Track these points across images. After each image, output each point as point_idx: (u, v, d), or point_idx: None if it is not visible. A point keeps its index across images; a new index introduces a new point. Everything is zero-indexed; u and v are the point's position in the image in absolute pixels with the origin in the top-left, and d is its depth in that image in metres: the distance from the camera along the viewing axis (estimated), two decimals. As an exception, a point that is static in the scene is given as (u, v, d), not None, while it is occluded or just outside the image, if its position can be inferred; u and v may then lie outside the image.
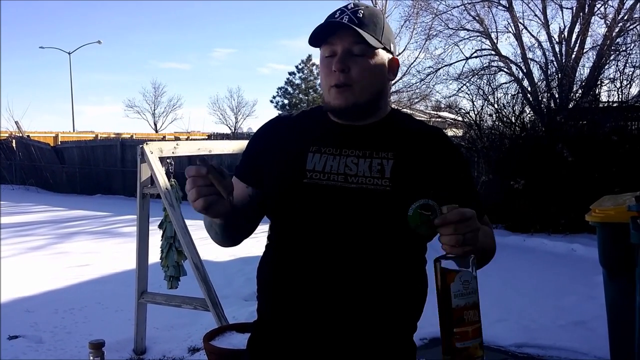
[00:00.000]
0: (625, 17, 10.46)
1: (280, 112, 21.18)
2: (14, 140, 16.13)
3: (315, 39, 1.13)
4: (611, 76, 8.81)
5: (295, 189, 1.11)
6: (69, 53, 31.53)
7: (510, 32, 12.24)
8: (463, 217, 0.93)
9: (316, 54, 1.21)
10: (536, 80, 9.87)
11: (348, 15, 1.10)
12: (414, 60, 15.34)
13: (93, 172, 13.90)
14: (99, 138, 18.05)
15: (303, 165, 1.12)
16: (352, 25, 1.08)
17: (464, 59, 13.15)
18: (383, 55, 1.13)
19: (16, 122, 17.52)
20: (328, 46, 1.12)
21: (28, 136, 16.57)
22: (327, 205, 1.09)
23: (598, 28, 11.54)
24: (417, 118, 1.25)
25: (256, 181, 1.18)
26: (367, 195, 1.08)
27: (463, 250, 0.92)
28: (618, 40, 10.30)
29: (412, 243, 1.12)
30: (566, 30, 11.37)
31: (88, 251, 6.61)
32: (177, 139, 17.39)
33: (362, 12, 1.11)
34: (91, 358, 0.97)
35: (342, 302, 1.08)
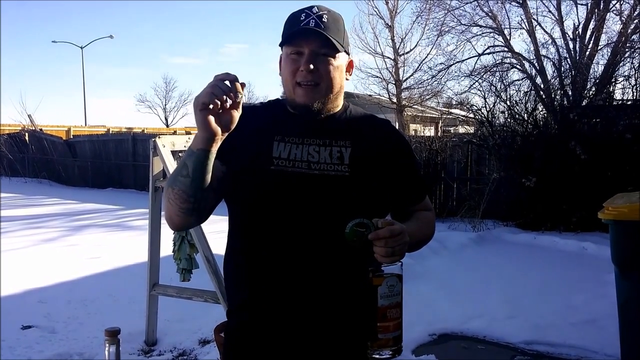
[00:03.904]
0: (641, 14, 10.31)
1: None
2: (27, 134, 16.27)
3: (285, 41, 1.18)
4: (626, 73, 8.70)
5: (263, 175, 1.19)
6: (82, 47, 31.77)
7: (523, 28, 12.13)
8: (393, 234, 1.05)
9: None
10: (549, 78, 9.76)
11: (314, 20, 1.16)
12: (426, 57, 15.25)
13: (105, 165, 14.00)
14: (110, 132, 18.15)
15: (270, 153, 1.20)
16: (322, 31, 1.15)
17: (476, 56, 13.05)
18: (343, 57, 1.23)
19: (29, 116, 17.68)
20: (293, 47, 1.18)
21: (41, 130, 16.70)
22: (292, 191, 1.18)
23: (613, 25, 11.37)
24: (369, 112, 1.36)
25: (229, 161, 1.21)
26: (328, 181, 1.18)
27: (392, 259, 1.06)
28: (633, 37, 10.17)
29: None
30: (580, 26, 11.24)
31: (100, 244, 6.68)
32: (187, 133, 17.42)
33: (326, 16, 1.18)
34: (107, 345, 0.98)
35: (310, 283, 1.17)
